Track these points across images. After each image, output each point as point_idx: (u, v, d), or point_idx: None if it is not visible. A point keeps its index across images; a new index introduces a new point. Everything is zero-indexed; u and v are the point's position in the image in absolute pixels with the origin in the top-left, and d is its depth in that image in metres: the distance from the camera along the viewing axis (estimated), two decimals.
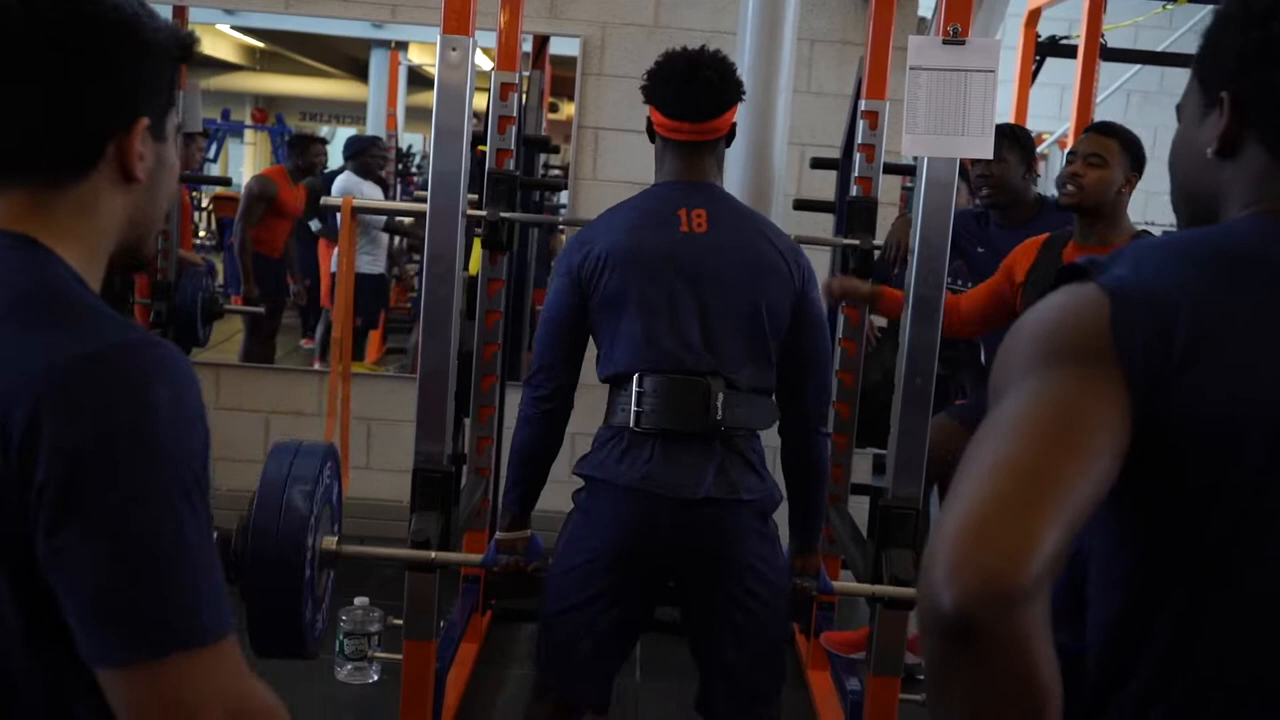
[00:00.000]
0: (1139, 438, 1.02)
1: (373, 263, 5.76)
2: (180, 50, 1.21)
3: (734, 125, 2.69)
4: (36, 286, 1.07)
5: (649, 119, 2.71)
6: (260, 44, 6.29)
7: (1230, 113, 1.15)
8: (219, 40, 6.08)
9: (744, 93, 2.67)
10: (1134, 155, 3.35)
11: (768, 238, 2.66)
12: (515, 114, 3.92)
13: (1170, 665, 1.06)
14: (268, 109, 6.98)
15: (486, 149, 3.89)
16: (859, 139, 3.87)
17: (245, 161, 6.18)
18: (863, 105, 3.85)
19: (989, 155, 3.04)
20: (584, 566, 2.56)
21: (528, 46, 4.72)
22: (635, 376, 2.53)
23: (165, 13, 5.00)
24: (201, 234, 6.63)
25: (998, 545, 0.88)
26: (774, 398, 2.69)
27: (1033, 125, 6.04)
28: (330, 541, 2.60)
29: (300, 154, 5.82)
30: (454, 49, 3.01)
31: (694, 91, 2.60)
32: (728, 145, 2.73)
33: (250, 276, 5.56)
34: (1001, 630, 0.87)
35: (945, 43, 2.99)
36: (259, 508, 2.37)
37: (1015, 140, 4.02)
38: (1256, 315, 1.04)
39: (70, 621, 1.01)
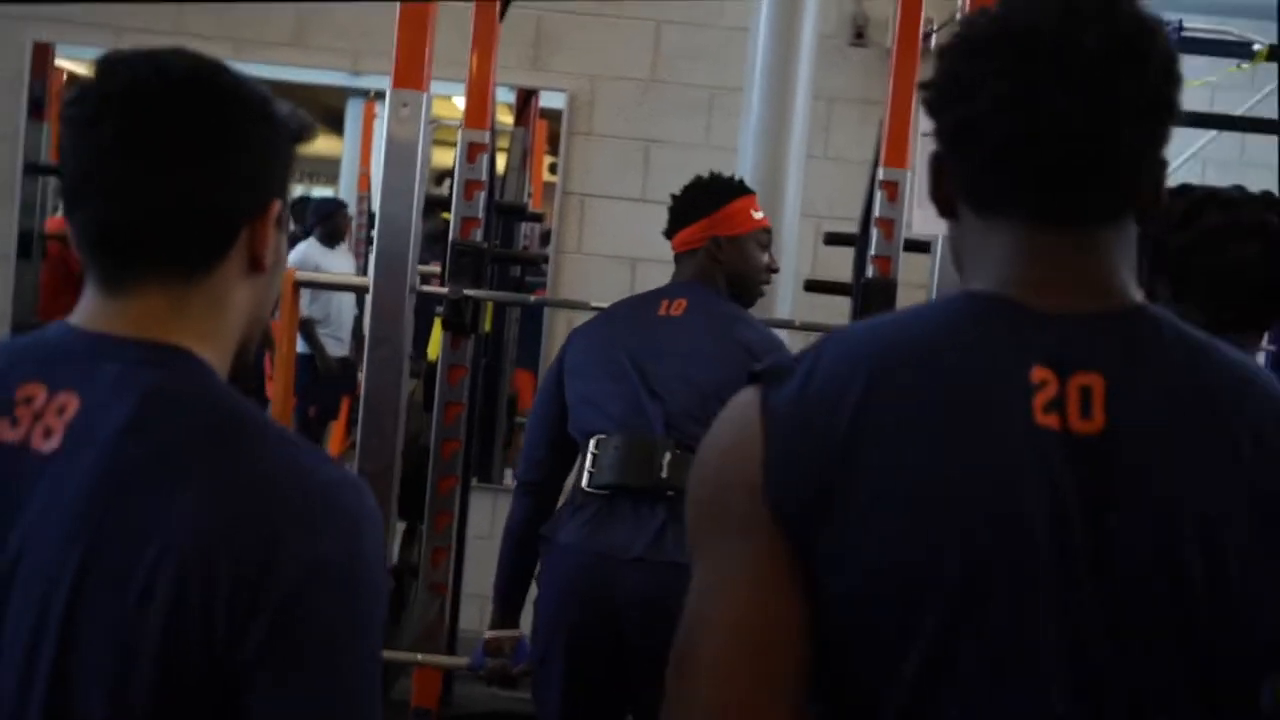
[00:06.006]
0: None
1: (336, 344, 5.73)
2: (301, 133, 1.25)
3: (710, 236, 3.00)
4: (223, 412, 1.14)
5: None
6: None
7: (932, 168, 1.15)
8: None
9: (705, 210, 3.02)
10: None
11: (743, 334, 2.93)
12: (485, 178, 3.90)
13: None
14: None
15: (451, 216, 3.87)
16: (876, 212, 3.82)
17: None
18: (881, 174, 3.81)
19: None
20: (542, 632, 2.86)
21: (509, 98, 4.74)
22: (592, 439, 2.80)
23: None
24: None
25: None
26: None
27: None
28: None
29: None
30: (405, 105, 3.04)
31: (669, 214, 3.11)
32: (717, 252, 3.01)
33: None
34: None
35: None
36: None
37: None
38: (906, 442, 1.04)
39: None
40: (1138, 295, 1.11)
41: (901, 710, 1.03)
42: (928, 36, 4.27)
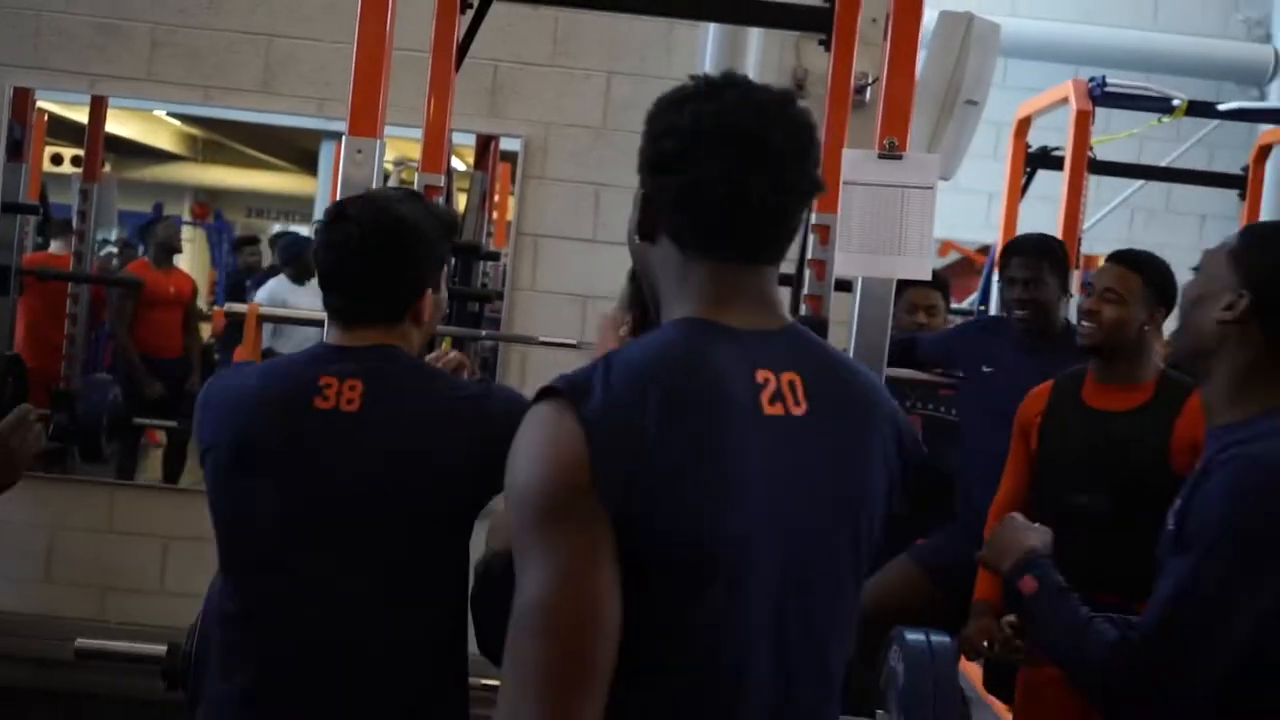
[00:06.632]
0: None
1: None
2: (449, 231, 2.33)
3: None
4: (429, 370, 2.30)
5: None
6: (200, 132, 6.45)
7: (642, 205, 1.55)
8: (156, 127, 6.23)
9: None
10: (1159, 289, 3.34)
11: None
12: None
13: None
14: (209, 203, 7.12)
15: None
16: (809, 254, 3.95)
17: (182, 262, 6.31)
18: (814, 219, 3.94)
19: (927, 276, 3.17)
20: None
21: (467, 142, 4.89)
22: None
23: (83, 100, 5.18)
24: None
25: None
26: None
27: None
28: None
29: (153, 237, 6.00)
30: (360, 150, 3.14)
31: None
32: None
33: (141, 373, 5.67)
34: None
35: (881, 157, 3.13)
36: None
37: (1055, 260, 4.09)
38: (693, 440, 1.39)
39: None
40: (789, 315, 1.57)
41: (693, 628, 1.39)
42: (861, 90, 4.43)
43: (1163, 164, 6.61)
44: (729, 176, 1.46)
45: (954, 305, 5.89)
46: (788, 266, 4.42)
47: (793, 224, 1.53)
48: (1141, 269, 3.36)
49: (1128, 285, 3.32)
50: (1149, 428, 3.17)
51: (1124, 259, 3.43)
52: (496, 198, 5.23)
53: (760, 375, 1.46)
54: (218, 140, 6.54)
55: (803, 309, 3.94)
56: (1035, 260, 4.02)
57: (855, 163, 3.13)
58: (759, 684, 1.44)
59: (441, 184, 4.04)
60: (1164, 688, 1.84)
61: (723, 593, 1.40)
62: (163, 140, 6.51)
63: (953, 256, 9.20)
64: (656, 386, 1.40)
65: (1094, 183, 5.41)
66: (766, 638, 1.44)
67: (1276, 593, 1.82)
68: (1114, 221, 7.06)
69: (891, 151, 3.12)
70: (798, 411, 1.46)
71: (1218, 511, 1.82)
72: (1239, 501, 1.82)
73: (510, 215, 5.01)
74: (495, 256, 4.89)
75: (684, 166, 1.47)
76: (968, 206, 7.70)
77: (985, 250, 7.43)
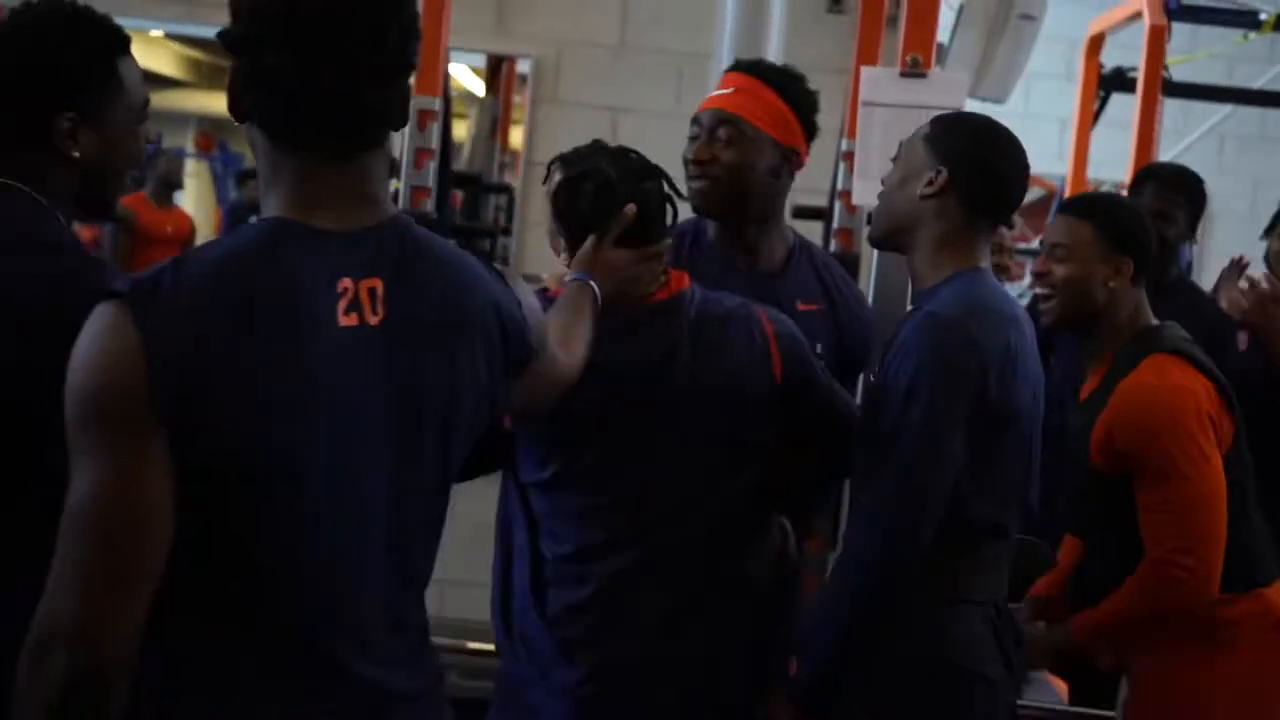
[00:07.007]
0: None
1: None
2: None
3: None
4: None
5: None
6: (204, 56, 6.20)
7: (228, 88, 1.46)
8: (153, 49, 6.01)
9: None
10: (1117, 235, 2.61)
11: None
12: (435, 146, 3.77)
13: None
14: (215, 134, 6.84)
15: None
16: (839, 185, 3.66)
17: (185, 198, 6.05)
18: (844, 145, 3.66)
19: None
20: None
21: (477, 64, 4.62)
22: None
23: None
24: None
25: (95, 653, 1.32)
26: None
27: (1101, 173, 5.75)
28: None
29: (153, 170, 5.88)
30: None
31: None
32: None
33: None
34: (104, 702, 1.33)
35: (903, 75, 2.98)
36: None
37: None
38: (259, 355, 1.37)
39: None
40: (392, 207, 1.52)
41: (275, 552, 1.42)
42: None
43: (1255, 86, 6.14)
44: (292, 65, 1.40)
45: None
46: (819, 199, 4.12)
47: (382, 108, 1.47)
48: (1093, 215, 2.65)
49: (1078, 236, 2.62)
50: (1088, 421, 2.56)
51: (1072, 206, 2.83)
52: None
53: (342, 284, 1.42)
54: (223, 65, 6.28)
55: (833, 245, 3.66)
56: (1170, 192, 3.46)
57: (874, 82, 3.00)
58: (325, 596, 1.45)
59: (437, 108, 3.78)
60: (912, 518, 2.10)
61: (279, 509, 1.41)
62: (161, 64, 6.28)
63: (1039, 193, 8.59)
64: (227, 295, 1.37)
65: (1181, 108, 5.03)
66: (332, 553, 1.44)
67: (962, 422, 2.12)
68: (1202, 150, 6.62)
69: (915, 69, 2.96)
70: (373, 320, 1.44)
71: (912, 362, 2.12)
72: (921, 352, 2.12)
73: (518, 143, 4.72)
74: (503, 189, 4.59)
75: (250, 51, 1.41)
76: (1037, 134, 7.22)
77: None
